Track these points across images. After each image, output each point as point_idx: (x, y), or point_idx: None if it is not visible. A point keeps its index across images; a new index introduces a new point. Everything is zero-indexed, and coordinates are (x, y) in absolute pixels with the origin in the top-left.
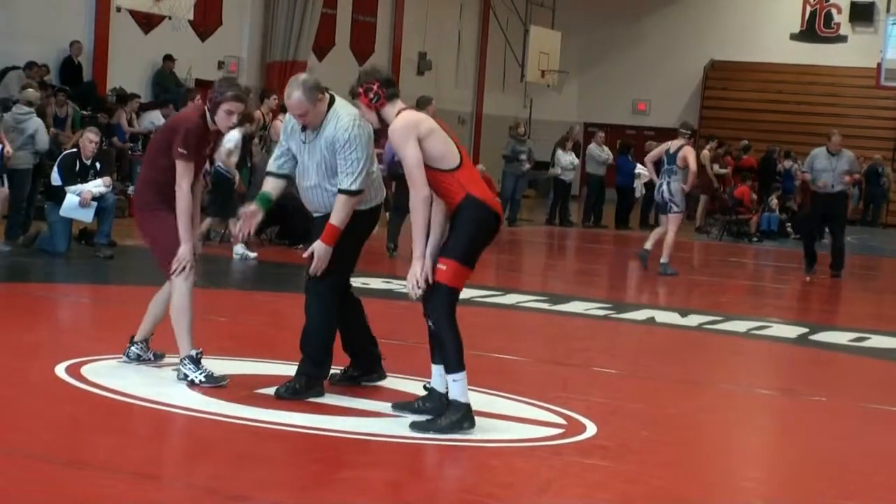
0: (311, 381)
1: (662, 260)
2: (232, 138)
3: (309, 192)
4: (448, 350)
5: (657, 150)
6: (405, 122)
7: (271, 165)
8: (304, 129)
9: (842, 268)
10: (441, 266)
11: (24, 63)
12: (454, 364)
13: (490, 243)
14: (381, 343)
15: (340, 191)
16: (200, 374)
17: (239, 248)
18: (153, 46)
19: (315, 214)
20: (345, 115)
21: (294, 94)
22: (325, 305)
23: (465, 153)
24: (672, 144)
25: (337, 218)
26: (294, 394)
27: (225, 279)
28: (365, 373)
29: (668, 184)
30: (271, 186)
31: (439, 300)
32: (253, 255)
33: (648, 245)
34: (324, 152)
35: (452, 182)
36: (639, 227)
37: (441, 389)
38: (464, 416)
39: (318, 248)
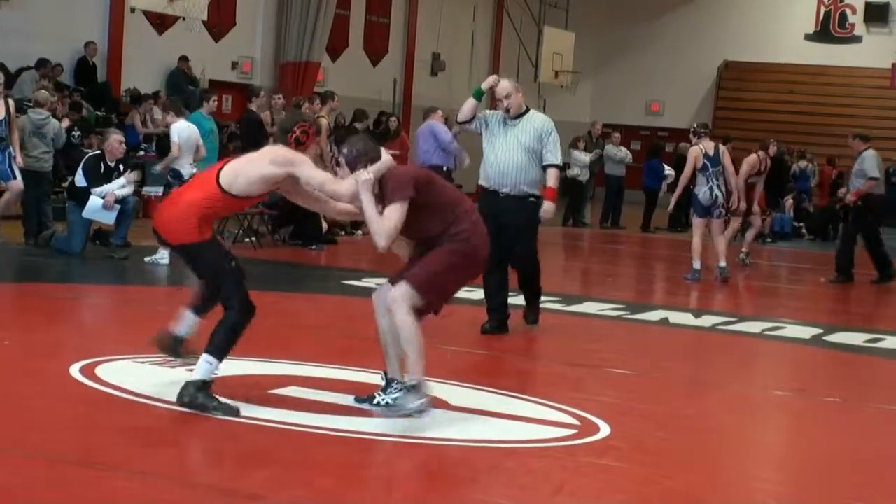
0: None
1: (724, 264)
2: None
3: (508, 168)
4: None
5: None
6: None
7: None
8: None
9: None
10: None
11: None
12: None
13: None
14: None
15: (552, 165)
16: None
17: None
18: (167, 47)
19: (504, 191)
20: (542, 114)
21: (502, 82)
22: (537, 261)
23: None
24: (710, 146)
25: (556, 182)
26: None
27: None
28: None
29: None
30: None
31: None
32: None
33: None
34: (528, 136)
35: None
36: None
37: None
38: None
39: (550, 206)
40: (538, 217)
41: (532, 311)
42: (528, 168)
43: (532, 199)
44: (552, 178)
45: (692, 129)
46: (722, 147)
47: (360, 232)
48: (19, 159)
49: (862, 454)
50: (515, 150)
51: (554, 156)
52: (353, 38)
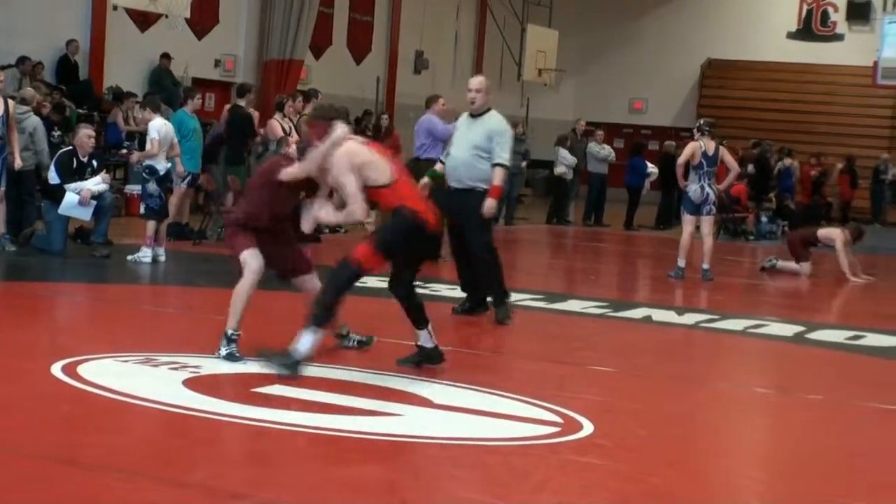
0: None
1: (708, 266)
2: None
3: (457, 163)
4: (324, 308)
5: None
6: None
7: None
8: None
9: None
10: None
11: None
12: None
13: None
14: (383, 342)
15: (496, 164)
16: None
17: None
18: (150, 45)
19: (453, 185)
20: (498, 115)
21: (479, 76)
22: (492, 256)
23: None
24: (710, 145)
25: (500, 181)
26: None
27: (224, 278)
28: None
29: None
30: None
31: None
32: None
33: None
34: (478, 135)
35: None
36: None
37: (429, 346)
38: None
39: (490, 202)
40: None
41: (500, 310)
42: (473, 164)
43: (479, 192)
44: (496, 176)
45: (697, 126)
46: (722, 148)
47: (343, 230)
48: (18, 161)
49: (844, 451)
50: (465, 147)
51: (499, 155)
52: (336, 36)
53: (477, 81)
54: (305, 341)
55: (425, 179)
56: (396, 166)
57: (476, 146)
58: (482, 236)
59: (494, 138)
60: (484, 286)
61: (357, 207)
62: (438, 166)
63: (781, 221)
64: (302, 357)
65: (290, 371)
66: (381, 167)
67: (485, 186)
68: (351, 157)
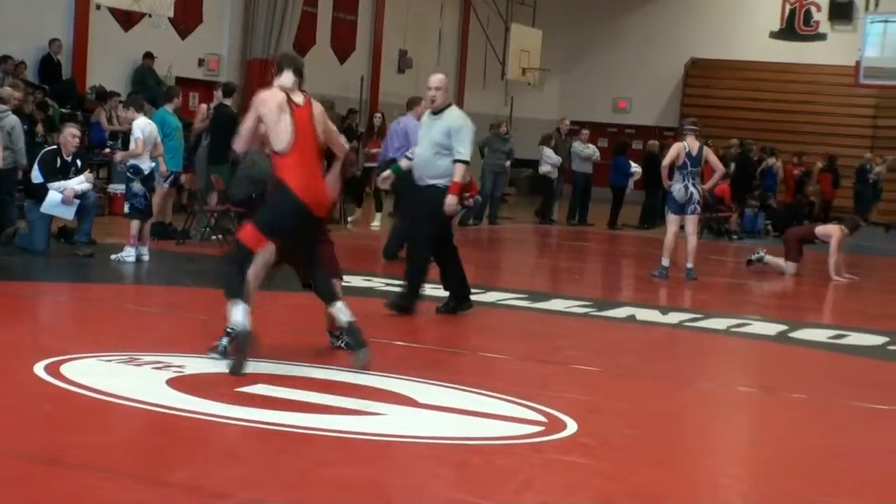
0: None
1: (692, 265)
2: None
3: (420, 161)
4: (227, 283)
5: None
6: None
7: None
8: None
9: None
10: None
11: None
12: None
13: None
14: (370, 343)
15: (456, 160)
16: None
17: None
18: (133, 44)
19: (418, 182)
20: (457, 112)
21: (438, 74)
22: (423, 253)
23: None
24: (695, 145)
25: (459, 177)
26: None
27: (208, 278)
28: (458, 305)
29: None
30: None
31: None
32: None
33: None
34: (438, 132)
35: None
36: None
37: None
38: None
39: (451, 199)
40: (437, 207)
41: (400, 295)
42: (433, 161)
43: (438, 188)
44: (456, 172)
45: (681, 126)
46: (706, 149)
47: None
48: None
49: (828, 450)
50: (427, 145)
51: (458, 150)
52: (320, 35)
53: (436, 79)
54: (235, 312)
55: (387, 172)
56: (302, 138)
57: (437, 143)
58: (424, 228)
59: (453, 134)
60: (406, 274)
61: (237, 142)
62: (403, 162)
63: (765, 220)
64: (241, 325)
65: (243, 342)
66: (280, 134)
67: (445, 182)
68: (260, 106)
